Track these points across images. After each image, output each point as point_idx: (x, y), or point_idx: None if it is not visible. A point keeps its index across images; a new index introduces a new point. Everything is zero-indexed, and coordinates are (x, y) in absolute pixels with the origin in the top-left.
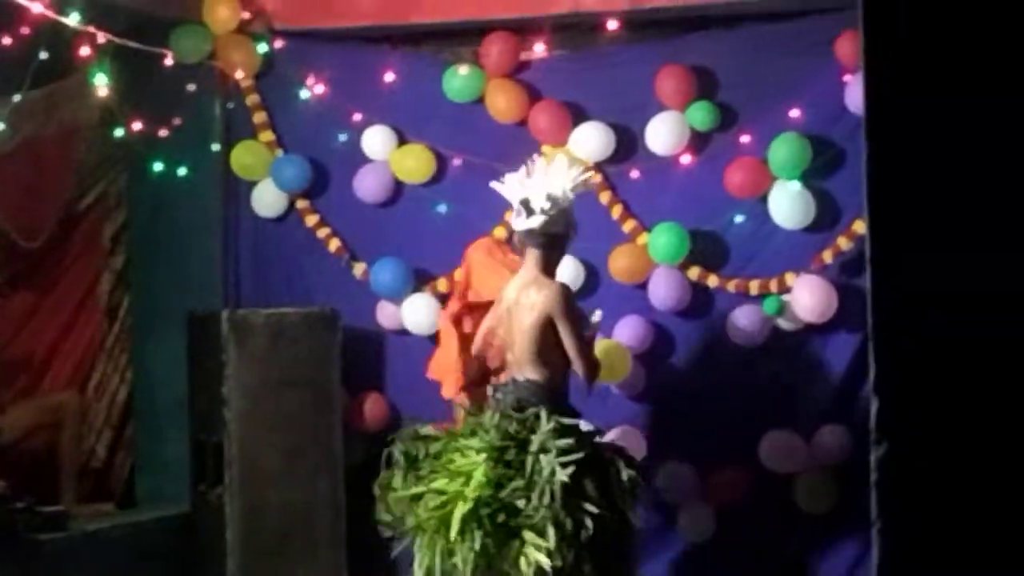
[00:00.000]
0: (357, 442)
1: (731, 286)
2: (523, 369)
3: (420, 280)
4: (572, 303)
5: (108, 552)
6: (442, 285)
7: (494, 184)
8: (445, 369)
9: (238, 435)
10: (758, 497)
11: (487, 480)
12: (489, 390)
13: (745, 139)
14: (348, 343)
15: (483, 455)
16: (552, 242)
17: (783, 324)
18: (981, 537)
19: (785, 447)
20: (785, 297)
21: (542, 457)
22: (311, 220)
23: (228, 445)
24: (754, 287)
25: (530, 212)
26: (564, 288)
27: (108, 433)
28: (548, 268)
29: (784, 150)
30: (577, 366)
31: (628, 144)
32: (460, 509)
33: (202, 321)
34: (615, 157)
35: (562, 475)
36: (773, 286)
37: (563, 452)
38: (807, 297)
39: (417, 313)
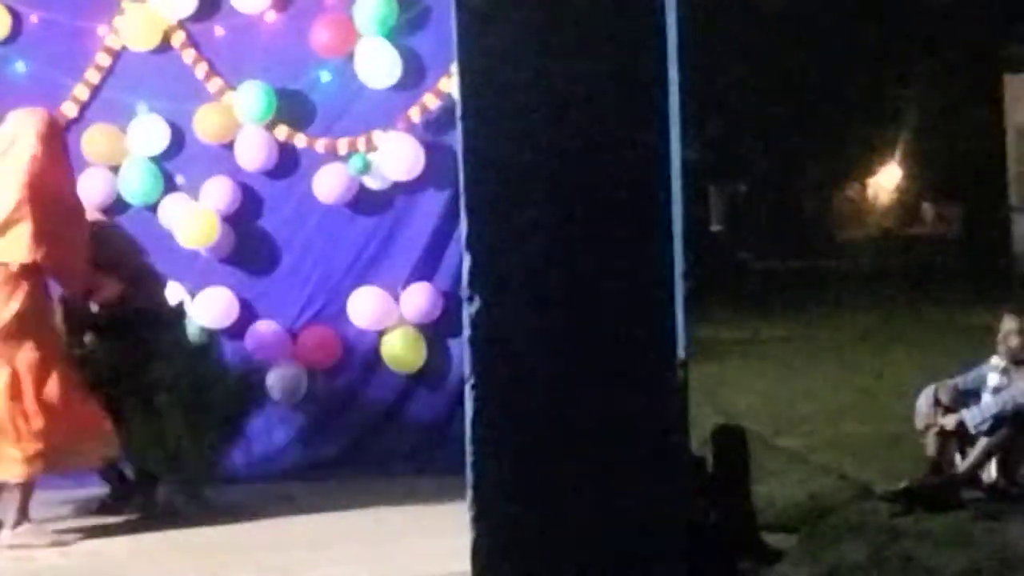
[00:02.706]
0: None
1: (319, 145)
2: None
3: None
4: None
5: None
6: None
7: None
8: None
9: None
10: (348, 355)
11: None
12: None
13: None
14: None
15: None
16: None
17: (370, 183)
18: (570, 387)
19: (373, 305)
20: (372, 156)
21: None
22: None
23: None
24: (342, 146)
25: None
26: None
27: None
28: None
29: (369, 7)
30: None
31: (211, 1)
32: None
33: None
34: (199, 14)
35: None
36: (360, 145)
37: None
38: (394, 155)
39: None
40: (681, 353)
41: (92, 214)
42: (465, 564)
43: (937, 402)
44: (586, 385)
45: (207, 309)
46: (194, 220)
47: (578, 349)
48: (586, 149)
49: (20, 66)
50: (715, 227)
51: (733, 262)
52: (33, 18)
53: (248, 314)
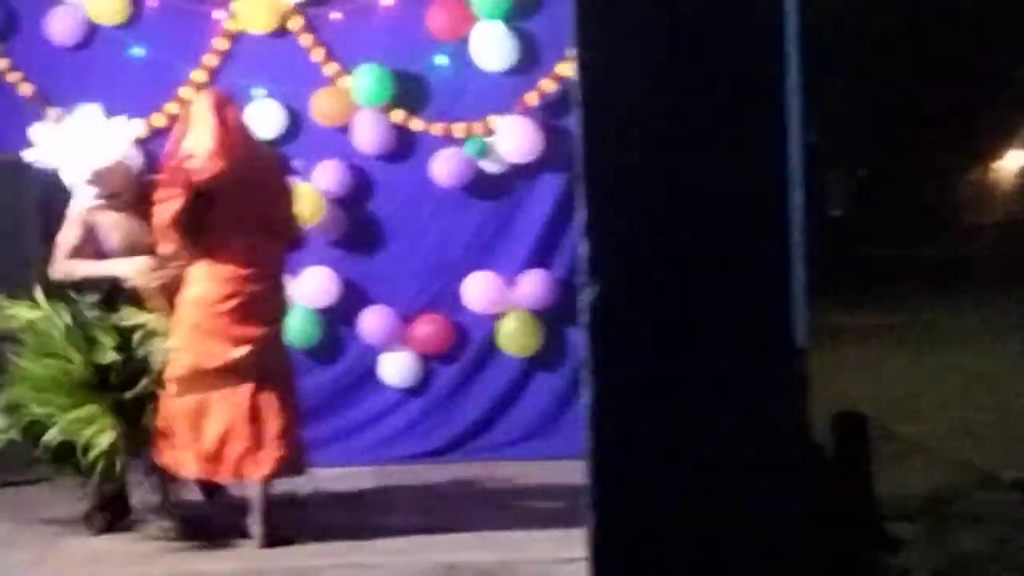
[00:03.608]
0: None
1: (435, 129)
2: None
3: None
4: (65, 226)
5: None
6: (140, 130)
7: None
8: None
9: None
10: (462, 341)
11: None
12: None
13: None
14: (42, 192)
15: None
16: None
17: (487, 167)
18: (687, 374)
19: (488, 290)
20: (489, 139)
21: None
22: (0, 64)
23: None
24: (458, 130)
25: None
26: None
27: None
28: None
29: None
30: None
31: None
32: None
33: None
34: None
35: None
36: (477, 129)
37: None
38: (512, 138)
39: None
40: (800, 340)
41: None
42: (583, 551)
43: None
44: (704, 372)
45: (311, 289)
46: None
47: (696, 335)
48: (705, 133)
49: (138, 51)
50: (835, 212)
51: (853, 248)
52: (152, 2)
53: (361, 299)
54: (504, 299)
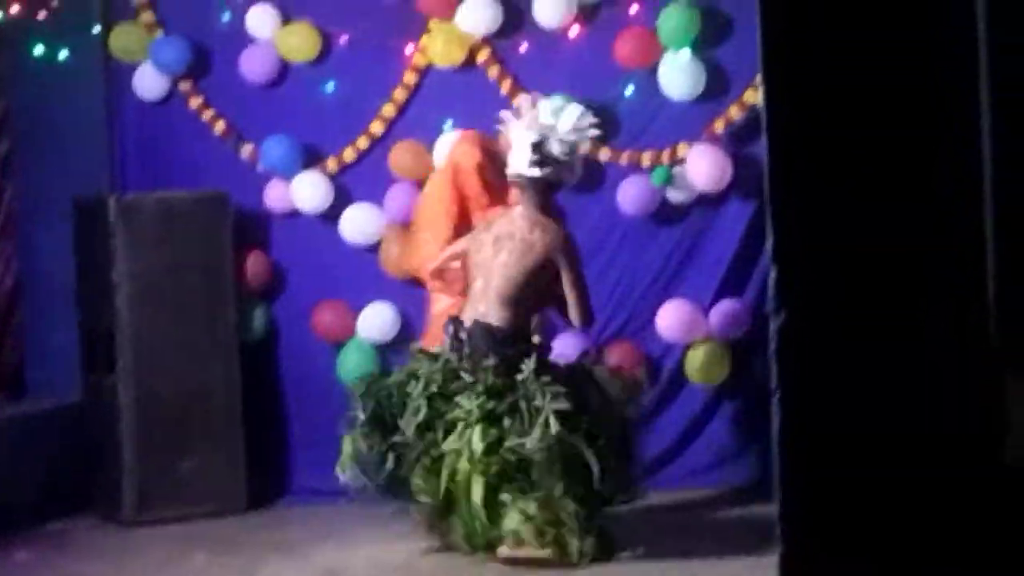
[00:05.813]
0: (254, 313)
1: (623, 159)
2: (489, 307)
3: (310, 158)
4: (576, 248)
5: None
6: (332, 164)
7: (506, 119)
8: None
9: (129, 321)
10: (651, 370)
11: (485, 444)
12: (448, 326)
13: (634, 9)
14: (238, 226)
15: (475, 415)
16: (556, 187)
17: (674, 195)
18: (877, 404)
19: (681, 319)
20: (677, 169)
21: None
22: (195, 102)
23: (119, 332)
24: (646, 159)
25: (543, 157)
26: (568, 233)
27: None
28: (548, 209)
29: (673, 20)
30: (575, 313)
31: (516, 16)
32: (465, 470)
33: (89, 207)
34: (503, 31)
35: (553, 420)
36: (665, 157)
37: (552, 393)
38: (700, 166)
39: (308, 191)
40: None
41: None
42: None
43: None
44: (898, 399)
45: None
46: None
47: (890, 362)
48: (897, 158)
49: (330, 86)
50: None
51: None
52: (342, 40)
53: (550, 328)
54: (697, 328)
